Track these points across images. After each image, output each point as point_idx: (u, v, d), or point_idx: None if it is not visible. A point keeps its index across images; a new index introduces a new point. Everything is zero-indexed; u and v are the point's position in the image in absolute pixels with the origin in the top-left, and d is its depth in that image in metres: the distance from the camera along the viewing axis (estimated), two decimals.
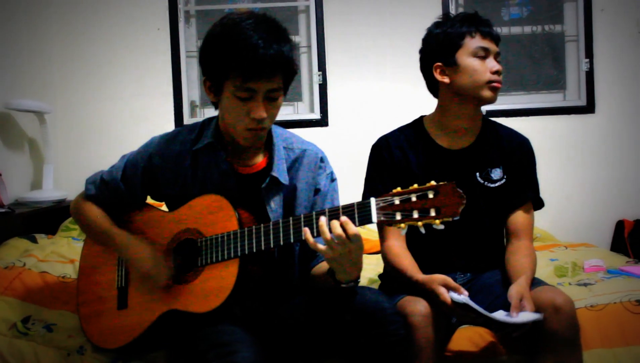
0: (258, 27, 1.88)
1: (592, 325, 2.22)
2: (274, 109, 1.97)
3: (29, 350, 2.22)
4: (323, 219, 1.79)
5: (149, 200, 2.21)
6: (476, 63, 2.28)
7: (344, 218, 1.77)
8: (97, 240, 2.21)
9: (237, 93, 1.90)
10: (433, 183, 1.72)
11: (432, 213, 1.70)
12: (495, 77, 2.26)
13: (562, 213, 4.21)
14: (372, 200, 1.75)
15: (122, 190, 2.15)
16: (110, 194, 2.16)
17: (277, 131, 2.15)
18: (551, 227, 3.94)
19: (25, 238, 3.13)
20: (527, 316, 1.96)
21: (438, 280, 2.04)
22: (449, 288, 2.02)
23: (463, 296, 1.98)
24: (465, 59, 2.28)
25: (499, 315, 1.99)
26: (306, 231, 1.81)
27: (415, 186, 1.73)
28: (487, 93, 2.28)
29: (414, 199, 1.72)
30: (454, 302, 1.97)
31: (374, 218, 1.74)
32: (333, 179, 2.20)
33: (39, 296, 2.45)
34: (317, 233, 1.80)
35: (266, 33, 1.88)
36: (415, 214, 1.71)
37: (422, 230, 1.71)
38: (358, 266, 1.88)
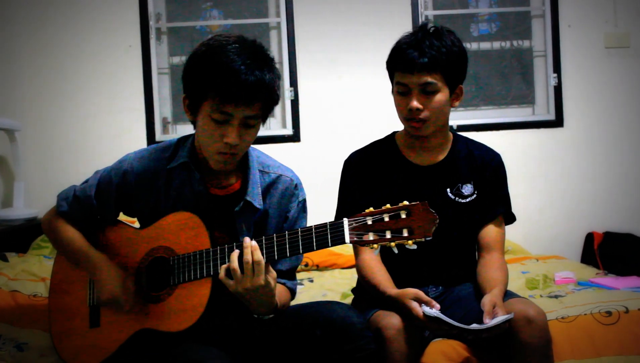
0: (242, 52, 1.88)
1: (562, 336, 2.24)
2: (249, 136, 1.96)
3: None
4: (236, 252, 1.84)
5: (122, 216, 2.20)
6: (397, 99, 2.28)
7: (254, 244, 1.84)
8: (68, 258, 2.19)
9: (213, 115, 1.89)
10: (406, 202, 1.74)
11: (405, 234, 1.72)
12: (410, 115, 2.23)
13: (532, 226, 4.25)
14: (345, 221, 1.77)
15: (95, 207, 2.13)
16: (83, 211, 2.15)
17: (253, 153, 2.14)
18: (522, 240, 3.98)
19: None
20: (498, 319, 1.98)
21: (410, 294, 2.05)
22: (420, 302, 2.03)
23: (435, 310, 1.99)
24: (393, 93, 2.30)
25: (472, 326, 2.01)
26: (221, 270, 1.87)
27: (388, 206, 1.75)
28: (409, 128, 2.30)
29: (386, 219, 1.73)
30: (426, 316, 1.98)
31: (347, 238, 1.76)
32: (304, 209, 2.20)
33: (9, 315, 2.42)
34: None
35: (250, 59, 1.87)
36: (388, 235, 1.73)
37: (395, 250, 1.73)
38: (267, 305, 1.92)
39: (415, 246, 1.72)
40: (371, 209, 1.76)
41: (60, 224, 2.16)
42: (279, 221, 2.14)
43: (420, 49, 2.18)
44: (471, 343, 2.18)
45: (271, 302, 1.92)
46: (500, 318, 1.96)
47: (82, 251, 2.11)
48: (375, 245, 1.74)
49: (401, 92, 2.25)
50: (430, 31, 2.23)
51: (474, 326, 2.00)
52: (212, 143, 1.93)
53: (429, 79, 2.19)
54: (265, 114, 1.97)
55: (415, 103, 2.20)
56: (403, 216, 1.72)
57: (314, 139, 4.29)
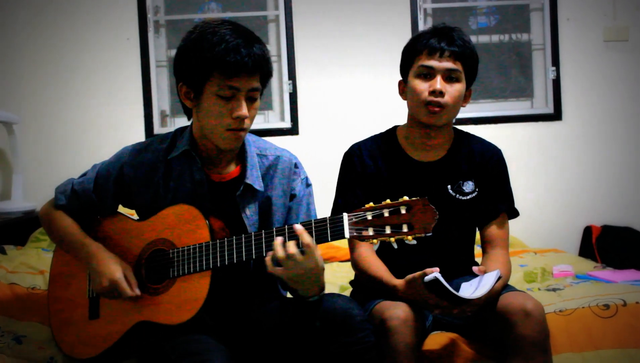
0: (235, 31, 1.93)
1: (561, 329, 2.24)
2: (254, 110, 2.00)
3: None
4: (279, 240, 1.80)
5: (121, 208, 2.20)
6: (417, 82, 2.25)
7: (299, 229, 1.79)
8: (64, 249, 2.19)
9: (220, 92, 1.92)
10: (406, 198, 1.74)
11: (405, 229, 1.72)
12: (432, 98, 2.21)
13: (530, 220, 4.23)
14: (345, 215, 1.77)
15: (94, 200, 2.14)
16: (81, 205, 2.15)
17: (249, 138, 2.15)
18: (520, 233, 3.98)
19: None
20: (487, 280, 1.99)
21: (408, 278, 2.04)
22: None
23: (433, 274, 1.93)
24: (411, 79, 2.28)
25: (464, 292, 2.01)
26: (267, 259, 1.82)
27: (388, 201, 1.75)
28: (424, 117, 2.25)
29: (386, 214, 1.73)
30: (426, 285, 1.94)
31: (347, 233, 1.76)
32: (308, 185, 2.21)
33: (8, 308, 2.42)
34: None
35: (244, 36, 1.94)
36: (388, 230, 1.73)
37: (395, 246, 1.73)
38: (318, 284, 1.90)
39: (414, 242, 1.72)
40: (371, 204, 1.76)
41: (58, 216, 2.17)
42: (285, 201, 2.15)
43: (449, 38, 2.23)
44: (468, 332, 2.20)
45: (320, 281, 1.90)
46: (488, 281, 1.97)
47: (78, 240, 2.11)
48: (374, 240, 1.74)
49: (424, 74, 2.24)
50: (453, 28, 2.28)
51: (467, 295, 1.97)
52: (221, 121, 1.96)
53: (455, 66, 2.22)
54: (262, 88, 2.02)
55: (439, 85, 2.21)
56: (403, 211, 1.72)
57: (313, 132, 4.28)
